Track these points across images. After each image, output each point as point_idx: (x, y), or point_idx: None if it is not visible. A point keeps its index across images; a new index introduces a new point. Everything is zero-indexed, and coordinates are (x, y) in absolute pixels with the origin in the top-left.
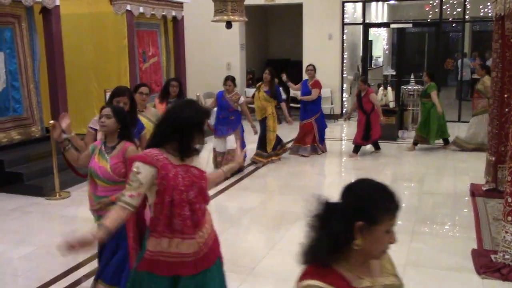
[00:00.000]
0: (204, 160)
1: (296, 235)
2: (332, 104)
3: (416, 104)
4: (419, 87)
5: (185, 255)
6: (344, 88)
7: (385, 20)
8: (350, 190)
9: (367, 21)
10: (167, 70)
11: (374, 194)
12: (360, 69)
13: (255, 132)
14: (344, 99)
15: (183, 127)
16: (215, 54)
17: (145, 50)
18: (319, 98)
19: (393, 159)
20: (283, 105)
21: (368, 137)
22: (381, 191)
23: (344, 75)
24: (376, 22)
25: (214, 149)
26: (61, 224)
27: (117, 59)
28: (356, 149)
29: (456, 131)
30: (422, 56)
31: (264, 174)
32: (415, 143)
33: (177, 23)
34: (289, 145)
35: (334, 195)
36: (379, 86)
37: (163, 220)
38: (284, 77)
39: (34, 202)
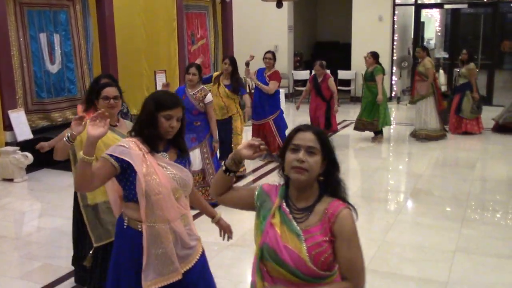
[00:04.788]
0: None
1: None
2: None
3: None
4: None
5: None
6: (393, 71)
7: (438, 1)
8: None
9: (419, 1)
10: (215, 53)
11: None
12: (411, 52)
13: (216, 150)
14: (393, 82)
15: None
16: (263, 36)
17: (194, 32)
18: (277, 93)
19: (443, 144)
20: (247, 98)
21: (329, 125)
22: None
23: (394, 58)
24: (429, 3)
25: None
26: None
27: (166, 42)
28: None
29: None
30: (477, 39)
31: None
32: (360, 130)
33: (226, 5)
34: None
35: (384, 178)
36: None
37: None
38: (247, 63)
39: None
